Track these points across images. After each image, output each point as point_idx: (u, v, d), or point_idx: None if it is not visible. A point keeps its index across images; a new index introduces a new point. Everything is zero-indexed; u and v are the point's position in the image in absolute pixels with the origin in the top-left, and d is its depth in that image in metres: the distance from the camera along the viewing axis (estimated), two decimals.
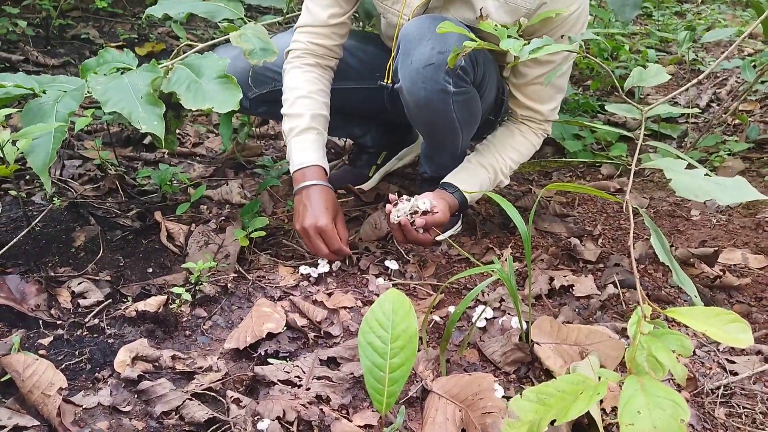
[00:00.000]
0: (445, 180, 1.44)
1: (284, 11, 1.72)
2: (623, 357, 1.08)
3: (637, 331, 0.77)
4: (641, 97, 2.61)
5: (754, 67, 2.82)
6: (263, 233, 1.44)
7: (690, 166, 1.07)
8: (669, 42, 3.24)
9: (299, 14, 1.72)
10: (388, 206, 1.33)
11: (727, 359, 1.09)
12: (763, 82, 2.55)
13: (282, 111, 1.43)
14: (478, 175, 1.43)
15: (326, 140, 1.45)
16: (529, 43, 1.02)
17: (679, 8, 4.10)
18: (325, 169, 1.39)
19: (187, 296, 1.21)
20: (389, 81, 1.39)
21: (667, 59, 3.07)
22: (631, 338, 0.77)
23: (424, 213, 1.31)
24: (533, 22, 1.08)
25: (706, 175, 1.04)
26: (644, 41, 3.20)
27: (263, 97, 1.53)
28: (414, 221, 1.30)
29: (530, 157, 1.50)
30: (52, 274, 1.27)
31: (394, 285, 1.36)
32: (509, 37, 1.01)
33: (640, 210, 1.03)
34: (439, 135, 1.42)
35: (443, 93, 1.24)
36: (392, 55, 1.36)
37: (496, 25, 1.06)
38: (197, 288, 1.25)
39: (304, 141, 1.38)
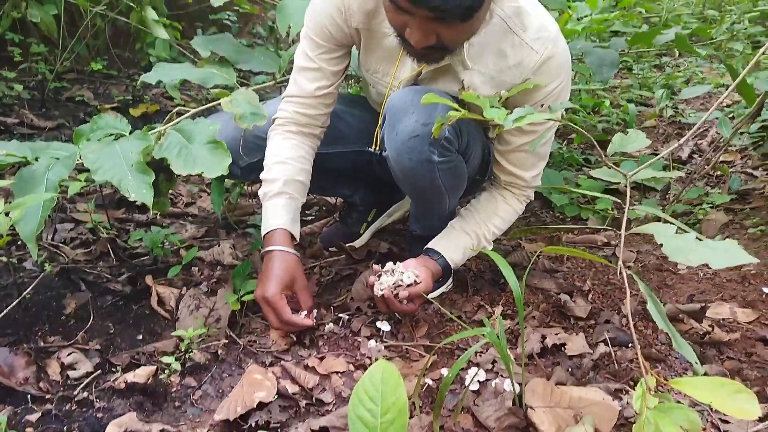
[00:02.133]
0: (429, 246, 1.46)
1: (275, 75, 1.77)
2: (617, 419, 1.08)
3: (643, 406, 0.77)
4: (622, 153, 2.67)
5: (732, 118, 2.92)
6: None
7: (680, 230, 1.08)
8: (649, 97, 3.34)
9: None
10: (372, 278, 1.35)
11: (720, 419, 1.09)
12: (742, 133, 2.63)
13: (261, 176, 1.45)
14: (461, 241, 1.45)
15: (300, 205, 1.44)
16: (512, 112, 1.06)
17: (658, 62, 4.24)
18: (290, 233, 1.38)
19: (177, 366, 1.20)
20: (377, 148, 1.43)
21: (648, 112, 3.16)
22: (638, 412, 0.76)
23: (408, 285, 1.33)
24: (512, 93, 1.12)
25: (697, 238, 1.05)
26: (625, 95, 3.30)
27: (254, 165, 1.56)
28: (398, 294, 1.32)
29: (513, 222, 1.52)
30: (42, 344, 1.26)
31: (386, 347, 1.36)
32: (492, 107, 1.05)
33: (635, 276, 1.04)
34: (427, 199, 1.45)
35: (429, 162, 1.27)
36: (379, 123, 1.40)
37: (478, 96, 1.09)
38: (187, 356, 1.24)
39: (275, 205, 1.39)
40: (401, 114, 1.26)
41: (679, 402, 1.06)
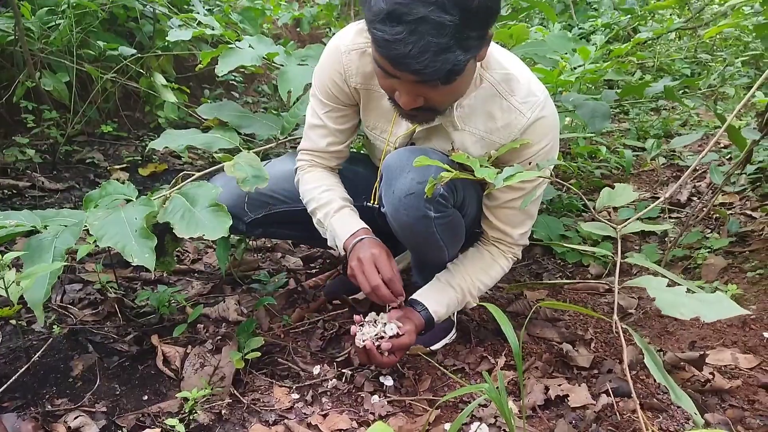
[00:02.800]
0: (413, 297, 1.48)
1: (277, 137, 1.84)
2: None
3: None
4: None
5: (730, 159, 2.96)
6: (258, 354, 1.46)
7: (672, 283, 1.10)
8: (645, 139, 3.40)
9: (295, 137, 1.85)
10: (353, 327, 1.36)
11: None
12: (740, 174, 2.66)
13: (310, 210, 1.52)
14: (446, 294, 1.47)
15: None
16: (502, 171, 1.10)
17: (654, 105, 4.32)
18: (372, 231, 1.44)
19: (181, 428, 1.21)
20: (374, 202, 1.47)
21: (647, 154, 3.21)
22: None
23: (390, 337, 1.34)
24: (501, 152, 1.17)
25: (688, 290, 1.07)
26: (620, 140, 3.36)
27: (259, 221, 1.61)
28: (380, 345, 1.32)
29: (499, 280, 1.54)
30: (49, 407, 1.28)
31: (389, 402, 1.37)
32: (482, 166, 1.09)
33: (630, 330, 1.05)
34: (426, 252, 1.48)
35: (425, 218, 1.31)
36: (377, 181, 1.45)
37: (468, 156, 1.14)
38: (191, 417, 1.25)
39: (343, 216, 1.46)
40: (397, 173, 1.30)
41: None
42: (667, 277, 1.11)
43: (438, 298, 1.46)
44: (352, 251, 1.39)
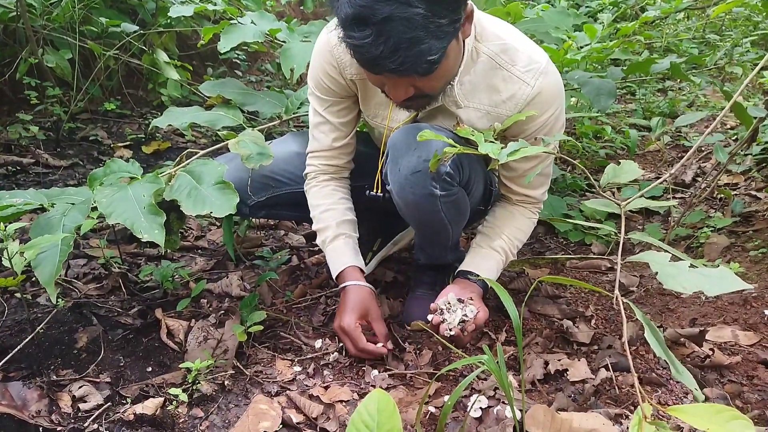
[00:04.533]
0: (464, 269, 1.49)
1: (281, 116, 1.83)
2: None
3: None
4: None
5: (736, 140, 2.93)
6: (261, 327, 1.47)
7: (675, 258, 1.10)
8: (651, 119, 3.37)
9: (299, 114, 1.84)
10: (435, 317, 1.34)
11: None
12: (746, 155, 2.64)
13: (313, 227, 1.56)
14: (492, 258, 1.49)
15: (356, 239, 1.55)
16: (506, 146, 1.10)
17: (661, 86, 4.28)
18: (359, 268, 1.49)
19: (184, 397, 1.22)
20: (378, 191, 1.49)
21: (651, 134, 3.19)
22: None
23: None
24: (506, 125, 1.16)
25: (691, 266, 1.07)
26: (626, 120, 3.33)
27: (262, 204, 1.62)
28: (465, 329, 1.32)
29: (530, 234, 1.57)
30: (54, 377, 1.30)
31: (390, 375, 1.38)
32: (487, 141, 1.09)
33: (632, 305, 1.05)
34: (430, 231, 1.48)
35: (431, 197, 1.31)
36: (380, 168, 1.46)
37: (473, 131, 1.14)
38: (194, 387, 1.27)
39: (335, 248, 1.51)
40: (403, 150, 1.30)
41: (680, 428, 1.07)
42: (670, 253, 1.11)
43: (487, 264, 1.48)
44: (340, 297, 1.47)
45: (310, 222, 1.59)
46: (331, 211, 1.53)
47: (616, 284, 1.14)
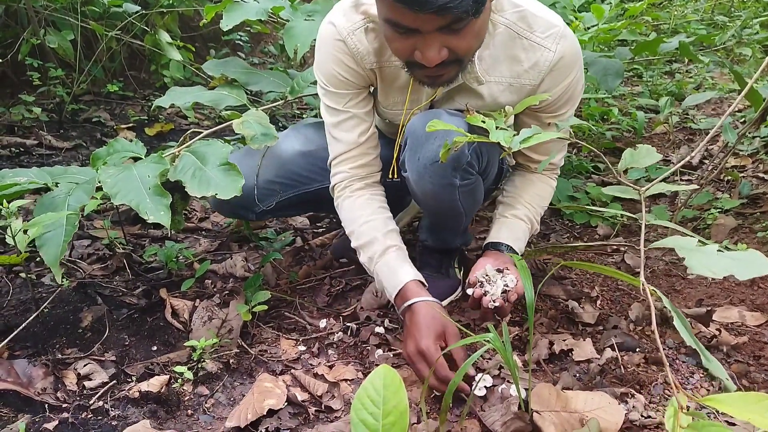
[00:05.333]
0: (492, 240, 1.43)
1: (286, 97, 1.80)
2: (622, 423, 1.09)
3: (675, 425, 0.75)
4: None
5: (744, 122, 2.90)
6: (265, 307, 1.47)
7: (701, 243, 1.07)
8: (657, 105, 3.34)
9: (304, 95, 1.81)
10: (476, 290, 1.27)
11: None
12: (754, 137, 2.62)
13: (353, 245, 1.41)
14: (520, 228, 1.44)
15: (406, 249, 1.39)
16: (518, 133, 1.08)
17: (668, 68, 4.23)
18: (420, 281, 1.32)
19: (189, 375, 1.23)
20: (395, 176, 1.42)
21: (657, 119, 3.16)
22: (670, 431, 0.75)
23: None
24: (518, 110, 1.13)
25: (719, 250, 1.03)
26: (633, 102, 3.30)
27: (269, 210, 1.60)
28: (508, 298, 1.25)
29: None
30: (59, 356, 1.30)
31: (394, 354, 1.38)
32: (498, 128, 1.07)
33: (658, 292, 1.03)
34: (444, 218, 1.46)
35: (450, 186, 1.28)
36: (395, 155, 1.40)
37: (483, 120, 1.12)
38: (199, 365, 1.27)
39: (388, 263, 1.34)
40: (424, 139, 1.25)
41: (715, 417, 1.06)
42: (695, 237, 1.08)
43: (516, 234, 1.43)
44: (403, 316, 1.30)
45: (317, 213, 1.53)
46: (372, 222, 1.37)
47: (641, 270, 1.10)
